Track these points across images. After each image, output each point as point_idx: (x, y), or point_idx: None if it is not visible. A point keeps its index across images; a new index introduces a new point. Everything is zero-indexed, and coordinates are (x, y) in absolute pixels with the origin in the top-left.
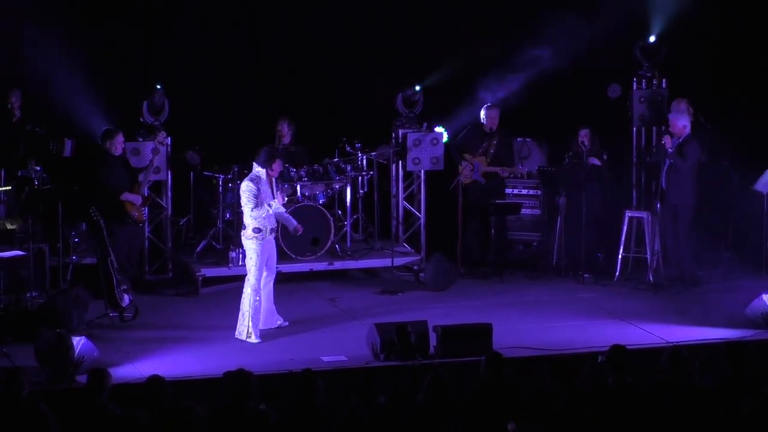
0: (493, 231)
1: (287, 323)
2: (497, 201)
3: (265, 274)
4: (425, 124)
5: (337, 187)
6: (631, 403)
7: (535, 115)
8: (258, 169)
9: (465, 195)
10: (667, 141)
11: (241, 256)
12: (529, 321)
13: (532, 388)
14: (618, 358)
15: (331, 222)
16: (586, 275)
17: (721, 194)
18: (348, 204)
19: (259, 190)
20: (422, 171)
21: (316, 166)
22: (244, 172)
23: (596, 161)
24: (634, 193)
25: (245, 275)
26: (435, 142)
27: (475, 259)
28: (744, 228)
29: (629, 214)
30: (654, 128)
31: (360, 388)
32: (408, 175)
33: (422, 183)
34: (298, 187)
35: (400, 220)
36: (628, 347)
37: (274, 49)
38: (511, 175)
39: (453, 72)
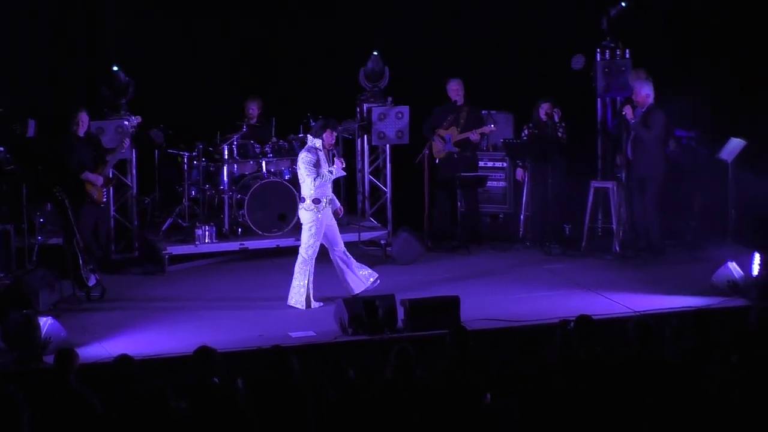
0: (459, 204)
1: (377, 280)
2: (463, 174)
3: (320, 249)
4: (390, 99)
5: None
6: (602, 374)
7: (500, 87)
8: (314, 140)
9: (435, 168)
10: (627, 111)
11: (208, 233)
12: (497, 293)
13: (501, 360)
14: (584, 328)
15: (297, 198)
16: (553, 246)
17: (688, 164)
18: None
19: (318, 159)
20: (387, 145)
21: (281, 142)
22: (209, 149)
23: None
24: (599, 164)
25: (212, 252)
26: (400, 115)
27: (442, 233)
28: (709, 197)
29: (595, 185)
30: (618, 98)
31: (330, 362)
32: (373, 150)
33: (388, 157)
34: (264, 164)
35: (366, 194)
36: (595, 317)
37: (238, 25)
38: (483, 137)
39: (416, 44)
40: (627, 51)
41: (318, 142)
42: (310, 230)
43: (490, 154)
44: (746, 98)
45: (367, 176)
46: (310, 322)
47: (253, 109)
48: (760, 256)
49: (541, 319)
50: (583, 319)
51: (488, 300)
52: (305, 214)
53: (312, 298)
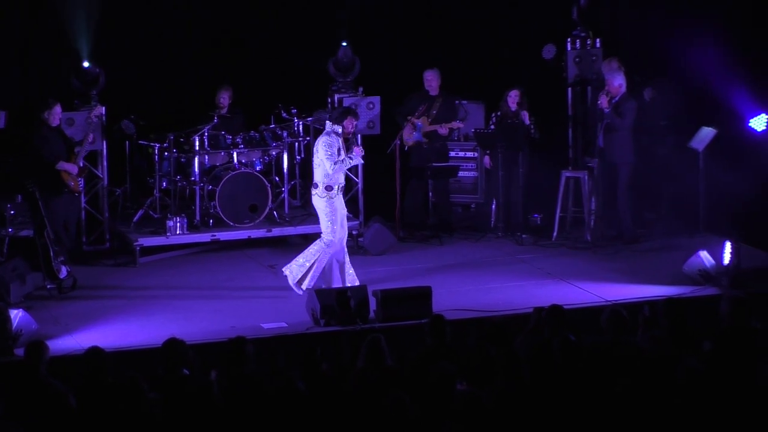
0: (431, 194)
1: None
2: (435, 164)
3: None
4: (361, 89)
5: (273, 153)
6: (574, 363)
7: (471, 77)
8: (334, 126)
9: (406, 158)
10: (603, 101)
11: (179, 224)
12: (469, 283)
13: (473, 350)
14: (556, 317)
15: (269, 189)
16: (524, 236)
17: (659, 153)
18: (285, 170)
19: (339, 146)
20: (359, 135)
21: (252, 133)
22: (180, 140)
23: (526, 118)
24: (570, 153)
25: (184, 244)
26: (371, 106)
27: (414, 223)
28: (681, 186)
29: (566, 174)
30: (589, 88)
31: (302, 354)
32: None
33: None
34: (235, 155)
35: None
36: (566, 307)
37: (209, 15)
38: (451, 132)
39: (387, 34)
40: (598, 40)
41: (338, 128)
42: (328, 217)
43: (461, 144)
44: (717, 86)
45: None
46: (282, 313)
47: (224, 99)
48: (731, 245)
49: (513, 309)
50: (555, 309)
51: (460, 290)
52: (318, 201)
53: (306, 283)
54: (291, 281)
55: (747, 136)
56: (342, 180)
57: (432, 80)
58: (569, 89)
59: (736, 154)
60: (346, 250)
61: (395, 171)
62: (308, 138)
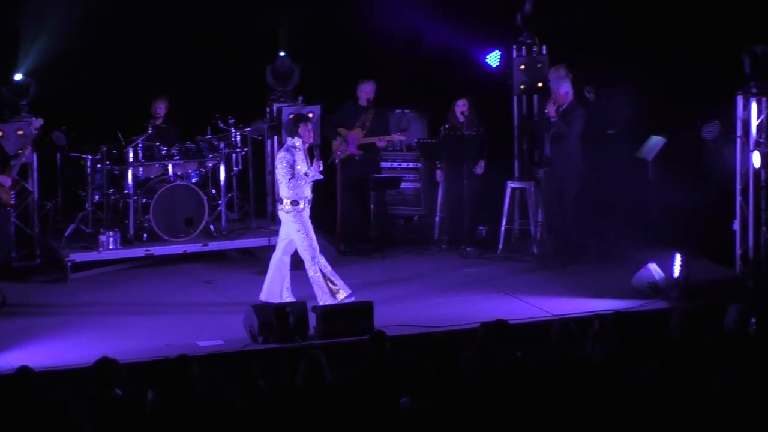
0: (373, 206)
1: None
2: (376, 176)
3: (284, 246)
4: (300, 98)
5: (210, 165)
6: (522, 379)
7: (415, 86)
8: (292, 140)
9: (342, 170)
10: (550, 109)
11: (112, 239)
12: (412, 298)
13: (417, 366)
14: (502, 333)
15: (205, 201)
16: (469, 249)
17: (607, 162)
18: (222, 182)
19: (295, 160)
20: (316, 150)
21: (188, 144)
22: (113, 152)
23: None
24: (516, 164)
25: (117, 259)
26: (311, 115)
27: (355, 236)
28: (630, 196)
29: (511, 185)
30: (535, 96)
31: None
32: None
33: None
34: (170, 167)
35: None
36: (513, 322)
37: (143, 23)
38: (389, 145)
39: (326, 43)
40: (544, 47)
41: (297, 141)
42: (299, 232)
43: (403, 154)
44: (667, 95)
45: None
46: (218, 330)
47: (160, 109)
48: (681, 257)
49: (458, 324)
50: (501, 324)
51: (403, 305)
52: (285, 217)
53: (342, 290)
54: (340, 298)
55: (698, 144)
56: (308, 193)
57: (370, 92)
58: (515, 98)
59: (686, 163)
60: (289, 266)
61: (336, 182)
62: (246, 149)
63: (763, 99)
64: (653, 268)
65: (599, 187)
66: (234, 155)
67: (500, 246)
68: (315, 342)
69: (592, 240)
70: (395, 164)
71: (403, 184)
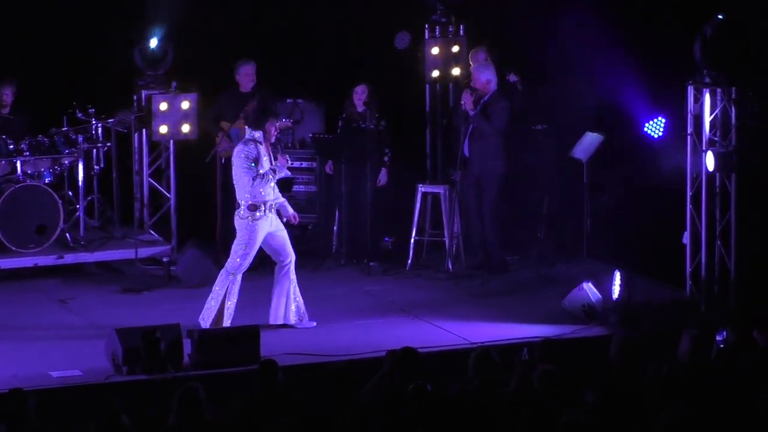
0: None
1: (314, 324)
2: None
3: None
4: (174, 84)
5: (66, 162)
6: (432, 416)
7: (310, 71)
8: (252, 132)
9: (224, 171)
10: (467, 100)
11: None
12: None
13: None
14: (409, 362)
15: (60, 205)
16: (372, 264)
17: (535, 164)
18: (81, 183)
19: (259, 154)
20: (171, 141)
21: (40, 138)
22: None
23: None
24: (428, 164)
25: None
26: (187, 105)
27: None
28: (561, 204)
29: (423, 189)
30: (451, 84)
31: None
32: (154, 147)
33: (171, 156)
34: (18, 164)
35: (146, 201)
36: (422, 350)
37: None
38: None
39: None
40: (462, 27)
41: (258, 134)
42: (240, 240)
43: (296, 152)
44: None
45: (147, 179)
46: (76, 358)
47: (7, 96)
48: (621, 275)
49: (360, 353)
50: (408, 353)
51: (295, 330)
52: (239, 224)
53: (229, 322)
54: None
55: (641, 143)
56: (273, 195)
57: (250, 75)
58: (427, 86)
59: (628, 164)
60: (292, 277)
61: (216, 184)
62: (109, 144)
63: (718, 90)
64: (588, 287)
65: (526, 192)
66: (95, 151)
67: (409, 261)
68: (190, 373)
69: (516, 255)
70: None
71: (296, 187)
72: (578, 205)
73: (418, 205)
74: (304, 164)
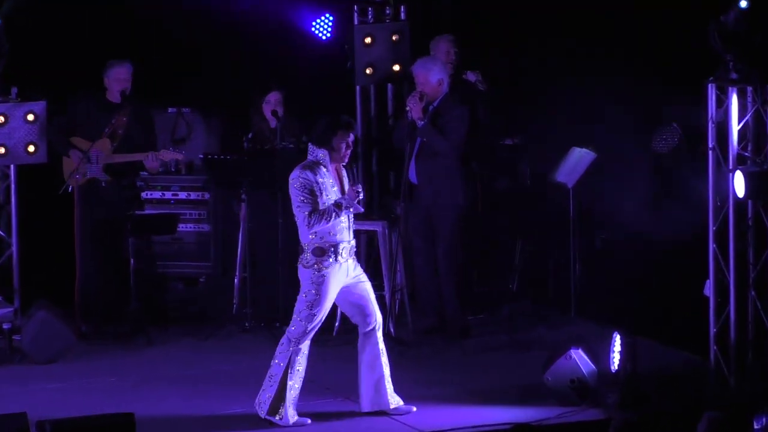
0: (132, 262)
1: (414, 409)
2: (137, 213)
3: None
4: (14, 90)
5: None
6: None
7: (199, 76)
8: (316, 152)
9: (83, 205)
10: (414, 107)
11: None
12: (195, 405)
13: None
14: None
15: None
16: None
17: (504, 191)
18: None
19: (317, 182)
20: (12, 167)
21: None
22: None
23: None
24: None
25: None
26: (33, 117)
27: (103, 310)
28: (541, 245)
29: (355, 227)
30: (389, 86)
31: None
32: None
33: (13, 186)
34: None
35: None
36: None
37: None
38: (161, 166)
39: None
40: (402, 8)
41: (321, 153)
42: (306, 297)
43: (180, 178)
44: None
45: None
46: None
47: None
48: (622, 339)
49: None
50: None
51: (182, 418)
52: (303, 274)
53: (292, 408)
54: (267, 415)
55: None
56: (345, 237)
57: (123, 81)
58: (357, 89)
59: (631, 187)
60: (381, 347)
61: (74, 224)
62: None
63: (749, 89)
64: (578, 356)
65: (493, 230)
66: None
67: (337, 323)
68: None
69: (481, 314)
70: (168, 194)
71: (182, 226)
72: (563, 247)
73: None
74: (192, 195)
